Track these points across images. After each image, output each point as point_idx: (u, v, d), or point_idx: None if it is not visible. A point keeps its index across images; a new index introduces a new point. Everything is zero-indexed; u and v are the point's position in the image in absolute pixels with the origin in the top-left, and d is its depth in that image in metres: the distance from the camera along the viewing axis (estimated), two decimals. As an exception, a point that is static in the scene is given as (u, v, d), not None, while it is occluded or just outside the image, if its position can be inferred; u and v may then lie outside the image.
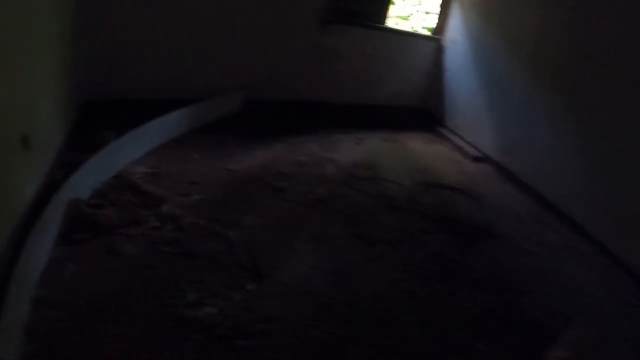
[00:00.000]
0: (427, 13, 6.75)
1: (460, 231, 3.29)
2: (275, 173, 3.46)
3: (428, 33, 5.62)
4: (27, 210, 2.16)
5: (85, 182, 2.59)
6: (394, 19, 6.35)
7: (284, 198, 3.16)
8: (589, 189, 3.70)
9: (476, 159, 4.66)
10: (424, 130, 5.16)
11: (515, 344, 2.39)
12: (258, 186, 3.24)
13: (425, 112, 5.48)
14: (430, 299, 2.54)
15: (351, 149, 4.23)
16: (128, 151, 3.10)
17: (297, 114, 4.68)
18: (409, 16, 6.82)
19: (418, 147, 4.67)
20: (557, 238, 3.61)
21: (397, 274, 2.68)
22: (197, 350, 1.87)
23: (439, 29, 5.31)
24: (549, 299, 2.85)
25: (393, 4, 5.19)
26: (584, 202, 3.73)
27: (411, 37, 5.31)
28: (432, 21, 5.77)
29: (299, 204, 3.14)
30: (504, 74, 4.49)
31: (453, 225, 3.33)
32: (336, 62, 4.76)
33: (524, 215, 3.82)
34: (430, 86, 5.45)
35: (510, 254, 3.22)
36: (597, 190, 3.62)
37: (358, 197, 3.41)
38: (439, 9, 5.28)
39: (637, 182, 3.33)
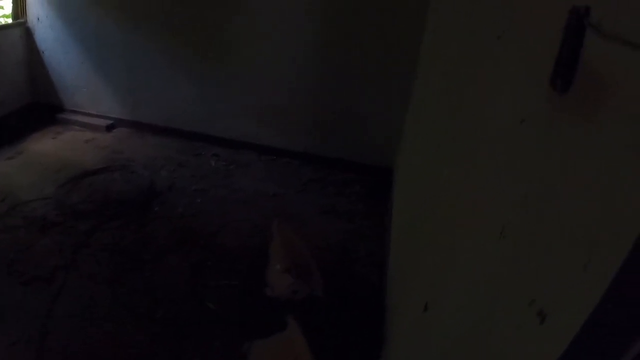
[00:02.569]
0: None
1: (124, 210, 3.44)
2: None
3: (7, 20, 5.05)
4: None
5: None
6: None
7: None
8: (223, 107, 4.34)
9: (109, 128, 4.71)
10: (48, 125, 4.79)
11: (236, 285, 2.80)
12: None
13: (41, 105, 5.03)
14: (129, 301, 2.65)
15: (-26, 189, 3.73)
16: None
17: None
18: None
19: (47, 146, 4.40)
20: (218, 162, 4.13)
21: (84, 301, 2.63)
22: None
23: (19, 11, 4.73)
24: (240, 222, 3.38)
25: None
26: (221, 117, 4.38)
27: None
28: (7, 6, 5.15)
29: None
30: (101, 34, 4.49)
31: (115, 207, 3.47)
32: None
33: (179, 157, 4.20)
34: (33, 76, 4.95)
35: (182, 201, 3.59)
36: (231, 104, 4.32)
37: (3, 237, 3.11)
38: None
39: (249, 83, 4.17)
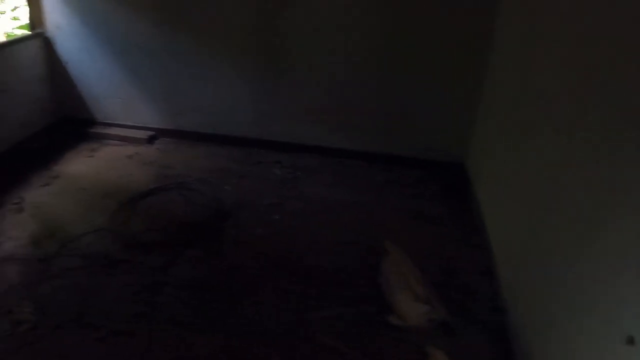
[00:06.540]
0: (14, 9, 5.35)
1: (196, 236, 2.95)
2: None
3: (24, 32, 4.56)
4: None
5: None
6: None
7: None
8: (276, 109, 3.97)
9: (151, 139, 4.19)
10: (80, 142, 4.23)
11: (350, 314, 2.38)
12: None
13: (70, 121, 4.45)
14: (233, 347, 2.24)
15: (16, 225, 3.13)
16: None
17: None
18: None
19: (85, 167, 3.82)
20: (283, 169, 3.76)
21: (180, 353, 2.21)
22: None
23: (36, 21, 4.15)
24: (328, 238, 2.96)
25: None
26: (274, 120, 4.01)
27: (4, 48, 3.92)
28: (24, 15, 4.71)
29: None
30: (132, 38, 4.00)
31: (185, 234, 2.98)
32: None
33: (237, 168, 3.75)
34: (56, 90, 4.33)
35: (258, 219, 3.13)
36: (285, 104, 3.94)
37: (63, 283, 2.57)
38: (25, -1, 4.15)
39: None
